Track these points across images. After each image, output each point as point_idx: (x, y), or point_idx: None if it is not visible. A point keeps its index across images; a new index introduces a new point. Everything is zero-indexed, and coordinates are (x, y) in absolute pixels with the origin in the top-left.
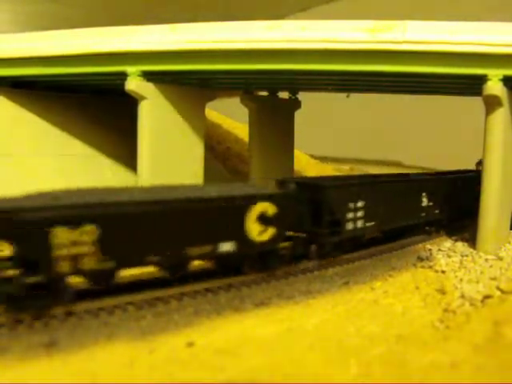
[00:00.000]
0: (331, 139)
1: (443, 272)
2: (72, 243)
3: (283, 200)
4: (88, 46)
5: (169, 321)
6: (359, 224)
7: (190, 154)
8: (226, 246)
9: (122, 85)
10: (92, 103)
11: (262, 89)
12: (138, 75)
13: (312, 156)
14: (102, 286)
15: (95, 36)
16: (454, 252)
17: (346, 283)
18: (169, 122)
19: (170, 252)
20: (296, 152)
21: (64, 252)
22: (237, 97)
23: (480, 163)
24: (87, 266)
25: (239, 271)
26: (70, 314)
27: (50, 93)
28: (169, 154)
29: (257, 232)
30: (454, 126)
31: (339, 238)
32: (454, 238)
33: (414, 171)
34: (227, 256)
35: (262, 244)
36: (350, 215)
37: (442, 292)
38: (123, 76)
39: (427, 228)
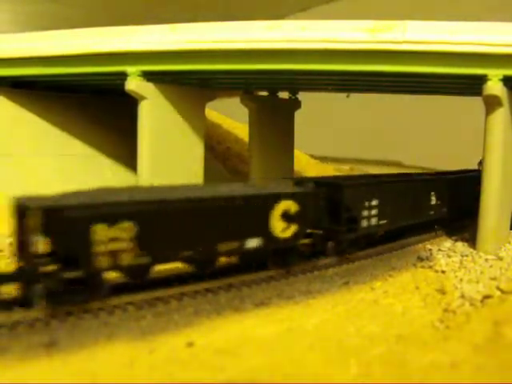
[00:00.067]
0: (331, 139)
1: (443, 272)
2: (110, 239)
3: (305, 198)
4: (88, 46)
5: (169, 321)
6: (373, 221)
7: (190, 153)
8: (252, 243)
9: (122, 85)
10: (92, 103)
11: (262, 89)
12: (138, 75)
13: (312, 156)
14: (138, 281)
15: (95, 36)
16: (454, 252)
17: (346, 283)
18: (169, 121)
19: (201, 248)
20: (296, 152)
21: (103, 248)
22: (237, 97)
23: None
24: (125, 261)
25: (262, 267)
26: (69, 314)
27: (50, 93)
28: (169, 153)
29: (280, 229)
30: (454, 126)
31: (355, 235)
32: (453, 237)
33: (414, 171)
34: (253, 252)
35: (285, 240)
36: (365, 213)
37: (442, 292)
38: (123, 76)
39: (436, 226)
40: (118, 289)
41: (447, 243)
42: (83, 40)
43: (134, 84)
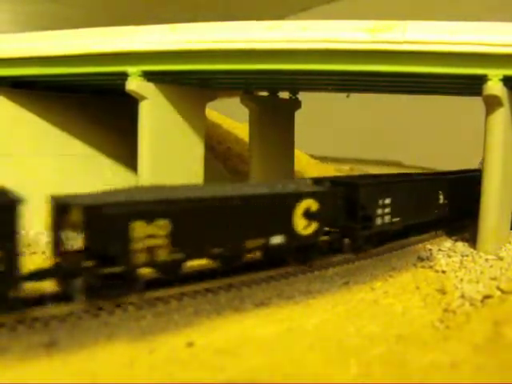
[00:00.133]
0: (331, 139)
1: (443, 272)
2: (148, 236)
3: (324, 197)
4: (88, 46)
5: (169, 321)
6: (386, 219)
7: (190, 154)
8: (277, 239)
9: (123, 85)
10: (92, 103)
11: (262, 89)
12: (139, 75)
13: (312, 156)
14: (171, 277)
15: (96, 36)
16: (455, 252)
17: (346, 283)
18: (169, 122)
19: (231, 244)
20: (296, 152)
21: (141, 244)
22: (237, 97)
23: None
24: (160, 257)
25: (284, 262)
26: (69, 313)
27: (50, 93)
28: (169, 154)
29: (302, 226)
30: (454, 126)
31: (370, 232)
32: (454, 237)
33: (415, 171)
34: (277, 248)
35: (307, 237)
36: (379, 211)
37: (442, 292)
38: (124, 76)
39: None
40: (150, 284)
41: (447, 243)
42: (83, 40)
43: (134, 84)
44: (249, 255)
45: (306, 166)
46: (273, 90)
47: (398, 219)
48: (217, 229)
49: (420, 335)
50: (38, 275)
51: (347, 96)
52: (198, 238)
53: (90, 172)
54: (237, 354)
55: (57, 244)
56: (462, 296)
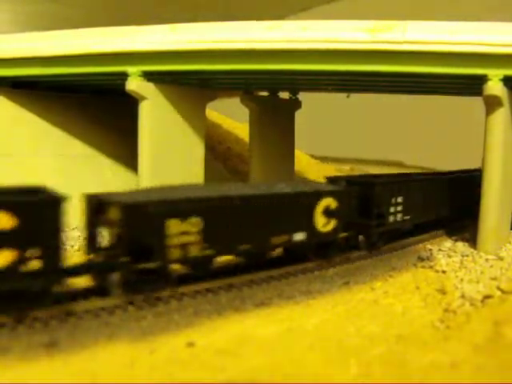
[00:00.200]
0: (331, 139)
1: (444, 272)
2: (181, 233)
3: (342, 195)
4: (88, 46)
5: (169, 321)
6: (398, 217)
7: (190, 154)
8: (299, 236)
9: (123, 85)
10: (92, 103)
11: (263, 89)
12: (139, 75)
13: (312, 156)
14: (201, 273)
15: (96, 36)
16: (455, 252)
17: (346, 283)
18: (169, 122)
19: (258, 241)
20: (296, 152)
21: (175, 241)
22: (237, 97)
23: None
24: (192, 253)
25: (304, 258)
26: (69, 314)
27: (50, 93)
28: (169, 154)
29: (322, 224)
30: (454, 126)
31: (383, 230)
32: (454, 237)
33: (414, 171)
34: (299, 245)
35: (326, 234)
36: (392, 209)
37: (443, 292)
38: (124, 76)
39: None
40: (181, 279)
41: (447, 243)
42: (84, 40)
43: (134, 84)
44: (272, 252)
45: (306, 166)
46: (273, 90)
47: (409, 217)
48: (245, 226)
49: (420, 335)
50: (79, 270)
51: (347, 96)
52: (228, 235)
53: (90, 172)
54: (237, 354)
55: (92, 241)
56: (463, 296)
